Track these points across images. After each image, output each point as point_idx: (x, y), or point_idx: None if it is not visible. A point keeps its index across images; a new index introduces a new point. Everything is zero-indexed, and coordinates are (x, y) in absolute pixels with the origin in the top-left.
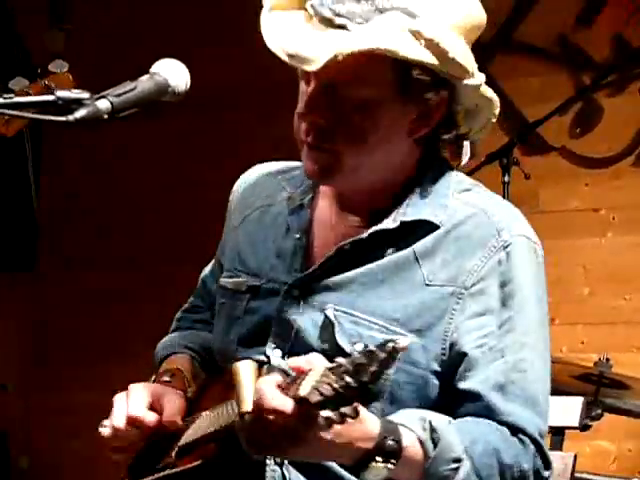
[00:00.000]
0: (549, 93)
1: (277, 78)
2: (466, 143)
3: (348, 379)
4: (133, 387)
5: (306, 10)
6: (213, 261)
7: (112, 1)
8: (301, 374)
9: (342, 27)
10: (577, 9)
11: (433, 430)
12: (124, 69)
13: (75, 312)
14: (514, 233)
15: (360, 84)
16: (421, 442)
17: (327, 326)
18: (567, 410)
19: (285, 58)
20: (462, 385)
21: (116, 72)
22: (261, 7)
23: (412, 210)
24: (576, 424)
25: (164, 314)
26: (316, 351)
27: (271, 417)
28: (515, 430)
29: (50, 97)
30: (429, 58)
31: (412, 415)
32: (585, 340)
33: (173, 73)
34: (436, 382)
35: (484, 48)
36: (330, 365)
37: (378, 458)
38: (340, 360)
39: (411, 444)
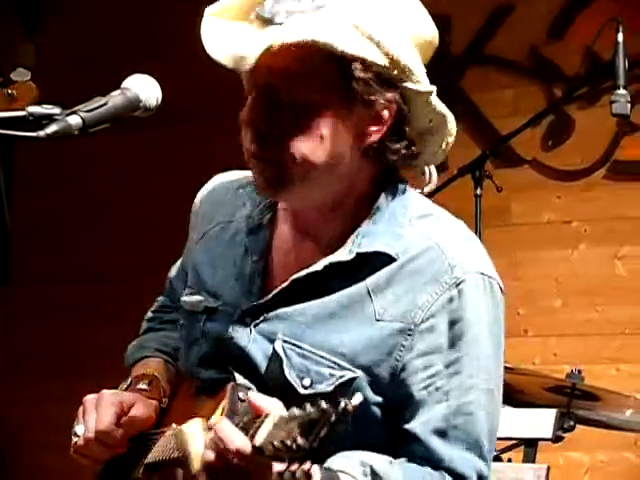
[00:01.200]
0: (521, 106)
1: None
2: (431, 168)
3: (300, 440)
4: (103, 396)
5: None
6: (179, 262)
7: (83, 16)
8: (258, 417)
9: (280, 24)
10: (548, 23)
11: (375, 474)
12: (96, 83)
13: (47, 325)
14: (467, 270)
15: (300, 85)
16: None
17: (275, 359)
18: (540, 422)
19: (223, 61)
20: (405, 425)
21: (87, 86)
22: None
23: (367, 241)
24: (549, 436)
25: (134, 326)
26: (265, 381)
27: (230, 459)
28: (455, 476)
29: (21, 113)
30: (369, 54)
31: (352, 460)
32: (557, 352)
33: (144, 88)
34: (379, 418)
35: (456, 61)
36: (285, 415)
37: None
38: (295, 412)
39: None
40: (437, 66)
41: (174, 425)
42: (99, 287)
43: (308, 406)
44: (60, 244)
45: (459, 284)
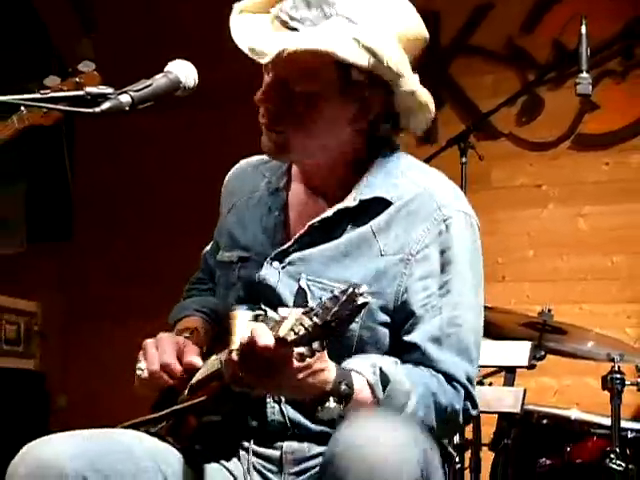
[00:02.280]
0: (499, 88)
1: None
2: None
3: (315, 319)
4: (162, 336)
5: (270, 14)
6: (212, 242)
7: (131, 13)
8: (283, 319)
9: (294, 29)
10: (522, 18)
11: (382, 373)
12: (143, 70)
13: (104, 275)
14: (453, 209)
15: (307, 79)
16: (370, 386)
17: (301, 293)
18: (517, 352)
19: (246, 51)
20: (406, 337)
21: (137, 73)
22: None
23: (368, 190)
24: (525, 364)
25: (182, 278)
26: None
27: (258, 353)
28: (448, 377)
29: (80, 92)
30: (365, 61)
31: (365, 361)
32: (530, 294)
33: (183, 72)
34: (386, 336)
35: (444, 51)
36: (304, 310)
37: (332, 399)
38: (311, 305)
39: (360, 388)
40: (429, 56)
41: (214, 356)
42: (145, 249)
43: (323, 297)
44: (112, 214)
45: (446, 220)
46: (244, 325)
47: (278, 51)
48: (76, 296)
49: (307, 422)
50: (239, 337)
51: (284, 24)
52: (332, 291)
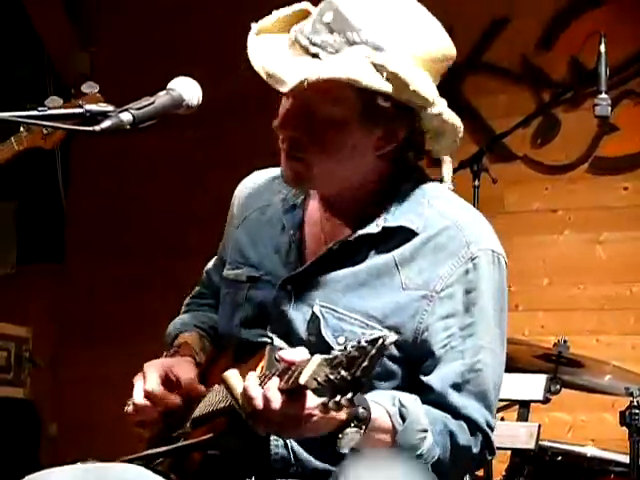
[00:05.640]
0: (513, 109)
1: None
2: (447, 159)
3: (343, 372)
4: (147, 366)
5: (290, 34)
6: (216, 257)
7: (131, 25)
8: (293, 364)
9: (315, 55)
10: (538, 35)
11: (402, 405)
12: (142, 86)
13: (96, 298)
14: (481, 247)
15: (330, 106)
16: (389, 415)
17: (314, 320)
18: (532, 386)
19: (264, 76)
20: (424, 378)
21: (136, 89)
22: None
23: (392, 217)
24: (540, 398)
25: (174, 301)
26: (304, 340)
27: (268, 410)
28: (468, 421)
29: (79, 110)
30: (390, 89)
31: (383, 394)
32: (544, 324)
33: (187, 89)
34: (406, 373)
35: (456, 70)
36: (327, 356)
37: (351, 424)
38: (336, 352)
39: (380, 416)
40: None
41: (216, 386)
42: (144, 266)
43: (348, 346)
44: (110, 226)
45: (474, 259)
46: (241, 384)
47: (299, 81)
48: (68, 319)
49: (311, 457)
50: (247, 398)
51: (304, 49)
52: (359, 341)
